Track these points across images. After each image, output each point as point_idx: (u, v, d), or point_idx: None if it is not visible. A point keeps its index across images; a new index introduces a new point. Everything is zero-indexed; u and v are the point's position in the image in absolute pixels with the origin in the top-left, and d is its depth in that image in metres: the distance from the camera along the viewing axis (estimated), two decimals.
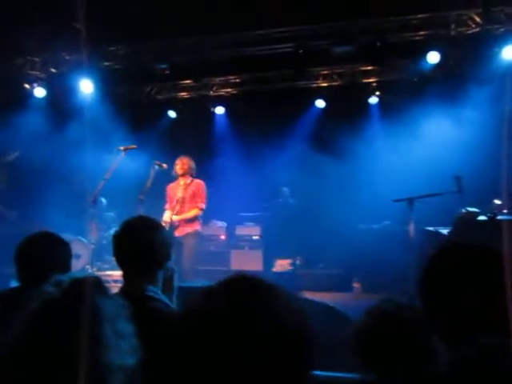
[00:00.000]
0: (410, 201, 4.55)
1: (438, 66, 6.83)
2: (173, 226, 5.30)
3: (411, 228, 4.57)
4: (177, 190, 5.49)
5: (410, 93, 7.19)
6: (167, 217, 5.38)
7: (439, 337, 1.16)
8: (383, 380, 1.16)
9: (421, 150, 6.60)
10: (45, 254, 1.93)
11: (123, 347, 0.92)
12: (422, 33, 6.71)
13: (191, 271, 5.28)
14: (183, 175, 5.51)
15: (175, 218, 5.35)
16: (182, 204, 5.41)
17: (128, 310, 1.01)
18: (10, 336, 0.88)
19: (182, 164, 5.51)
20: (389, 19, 6.62)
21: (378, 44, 6.61)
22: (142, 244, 1.79)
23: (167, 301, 1.79)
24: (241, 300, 0.74)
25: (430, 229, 5.29)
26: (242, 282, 0.79)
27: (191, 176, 5.56)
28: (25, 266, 1.94)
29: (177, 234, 5.34)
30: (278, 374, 0.70)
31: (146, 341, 1.35)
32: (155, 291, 1.76)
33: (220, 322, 0.72)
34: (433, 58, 6.74)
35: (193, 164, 5.58)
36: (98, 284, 0.99)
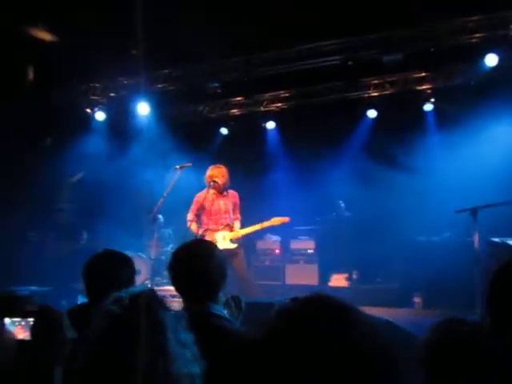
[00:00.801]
0: (474, 211, 4.33)
1: (496, 68, 6.53)
2: (239, 241, 5.10)
3: (475, 239, 4.34)
4: (218, 204, 5.15)
5: (467, 98, 6.91)
6: (222, 237, 5.04)
7: (508, 352, 1.10)
8: None
9: (482, 157, 6.30)
10: (111, 271, 2.02)
11: (187, 356, 0.95)
12: (478, 35, 6.45)
13: (250, 283, 5.16)
14: (222, 191, 5.20)
15: (240, 232, 5.12)
16: (228, 219, 5.18)
17: (185, 320, 1.03)
18: (80, 352, 0.94)
19: (222, 177, 5.13)
20: (442, 23, 6.43)
21: (432, 49, 6.43)
22: (198, 271, 1.78)
23: (230, 318, 1.81)
24: (316, 319, 0.74)
25: (496, 240, 5.01)
26: (317, 301, 0.78)
27: (226, 188, 5.25)
28: (92, 283, 2.03)
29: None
30: None
31: (212, 356, 1.37)
32: (218, 309, 1.78)
33: (295, 341, 0.71)
34: (491, 60, 6.46)
35: (227, 174, 5.23)
36: (155, 297, 1.02)
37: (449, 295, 5.23)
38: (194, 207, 5.23)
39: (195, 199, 5.27)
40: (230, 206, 5.15)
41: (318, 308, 0.77)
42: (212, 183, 5.10)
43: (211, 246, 1.95)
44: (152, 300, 0.99)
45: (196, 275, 1.78)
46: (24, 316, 1.24)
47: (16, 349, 1.18)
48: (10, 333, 1.24)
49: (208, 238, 4.97)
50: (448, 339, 1.18)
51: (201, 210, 5.18)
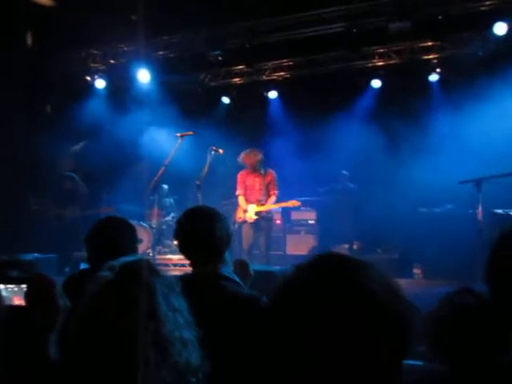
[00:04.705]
0: (478, 182, 4.31)
1: (505, 38, 6.36)
2: (261, 215, 5.85)
3: (479, 211, 4.34)
4: (254, 181, 5.98)
5: (475, 68, 6.77)
6: (251, 209, 5.85)
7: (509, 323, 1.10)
8: (455, 370, 1.12)
9: (487, 129, 6.22)
10: (113, 238, 2.02)
11: (179, 321, 1.00)
12: (488, 2, 6.26)
13: (264, 252, 5.90)
14: (258, 169, 5.94)
15: (265, 207, 5.86)
16: (259, 195, 5.93)
17: (179, 287, 1.07)
18: (75, 315, 0.97)
19: (252, 160, 5.89)
20: None
21: (440, 17, 6.26)
22: (204, 234, 1.85)
23: (240, 281, 1.86)
24: (329, 271, 0.74)
25: (499, 211, 5.00)
26: (329, 256, 0.79)
27: (262, 167, 5.99)
28: (94, 249, 2.03)
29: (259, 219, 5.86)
30: (368, 349, 0.69)
31: (221, 316, 1.41)
32: (229, 272, 1.84)
33: (309, 290, 0.72)
34: (500, 29, 6.29)
35: (261, 156, 5.97)
36: (148, 265, 1.05)
37: (449, 266, 5.27)
38: (240, 188, 6.06)
39: (238, 179, 6.08)
40: (264, 184, 5.94)
41: (328, 261, 0.78)
42: (245, 166, 6.03)
43: (214, 210, 2.01)
44: (143, 267, 1.02)
45: (200, 233, 1.86)
46: (18, 282, 1.27)
47: (10, 314, 1.22)
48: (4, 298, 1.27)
49: (242, 207, 5.94)
50: (461, 315, 1.17)
51: (245, 185, 6.08)
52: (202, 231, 1.85)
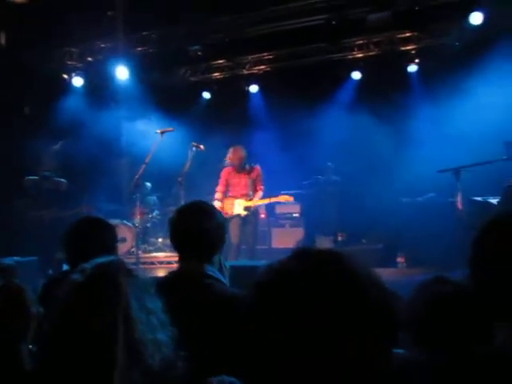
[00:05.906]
0: (457, 171, 4.37)
1: (481, 27, 6.42)
2: (250, 210, 5.82)
3: (458, 199, 4.40)
4: (239, 179, 5.93)
5: (452, 58, 6.84)
6: (239, 204, 5.80)
7: (491, 313, 1.11)
8: (433, 359, 1.13)
9: (466, 118, 6.30)
10: (91, 237, 1.98)
11: (153, 322, 0.98)
12: None
13: (251, 248, 5.85)
14: (243, 166, 5.91)
15: (255, 202, 5.85)
16: (246, 190, 5.91)
17: (154, 288, 1.06)
18: (48, 319, 0.95)
19: (240, 157, 5.83)
20: None
21: (417, 8, 6.30)
22: (198, 230, 1.79)
23: (224, 280, 1.84)
24: (309, 264, 0.74)
25: (478, 199, 5.09)
26: (308, 250, 0.79)
27: (247, 163, 5.95)
28: (72, 250, 2.01)
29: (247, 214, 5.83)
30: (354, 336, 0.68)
31: (207, 316, 1.39)
32: (214, 271, 1.80)
33: (290, 284, 0.71)
34: (476, 18, 6.35)
35: (245, 153, 5.93)
36: (121, 266, 1.04)
37: (431, 254, 5.34)
38: (221, 185, 5.94)
39: (221, 176, 5.96)
40: (250, 180, 5.91)
41: (308, 255, 0.78)
42: (232, 164, 5.93)
43: (212, 207, 1.95)
44: (115, 269, 1.00)
45: (194, 231, 1.80)
46: None
47: None
48: None
49: (228, 202, 5.85)
50: (439, 304, 1.18)
51: (228, 183, 6.01)
52: (194, 224, 1.80)
